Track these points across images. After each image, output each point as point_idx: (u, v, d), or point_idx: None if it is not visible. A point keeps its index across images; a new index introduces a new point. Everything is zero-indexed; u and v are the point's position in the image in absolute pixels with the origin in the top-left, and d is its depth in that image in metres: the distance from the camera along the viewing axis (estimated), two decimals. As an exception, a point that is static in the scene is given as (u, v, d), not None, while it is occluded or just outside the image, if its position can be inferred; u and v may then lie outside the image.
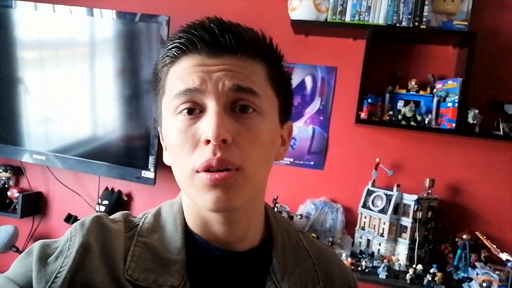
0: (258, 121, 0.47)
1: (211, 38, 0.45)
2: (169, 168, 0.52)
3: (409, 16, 1.63)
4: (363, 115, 1.64)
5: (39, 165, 1.94)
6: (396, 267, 1.55)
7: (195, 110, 0.46)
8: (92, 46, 1.78)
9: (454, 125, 1.58)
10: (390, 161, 1.76)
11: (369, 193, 1.73)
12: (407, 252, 1.61)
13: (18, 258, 0.48)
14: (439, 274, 1.48)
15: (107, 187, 1.96)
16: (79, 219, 1.87)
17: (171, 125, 0.47)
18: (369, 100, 1.66)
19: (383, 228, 1.64)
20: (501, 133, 1.61)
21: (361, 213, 1.72)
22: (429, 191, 1.68)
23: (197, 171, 0.45)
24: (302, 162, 1.85)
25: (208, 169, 0.44)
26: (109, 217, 0.54)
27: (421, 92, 1.70)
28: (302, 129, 1.85)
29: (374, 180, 1.74)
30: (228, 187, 0.44)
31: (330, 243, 1.64)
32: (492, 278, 1.44)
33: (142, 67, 1.72)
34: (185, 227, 0.52)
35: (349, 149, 1.81)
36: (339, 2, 1.67)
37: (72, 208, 1.93)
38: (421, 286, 1.47)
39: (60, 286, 0.43)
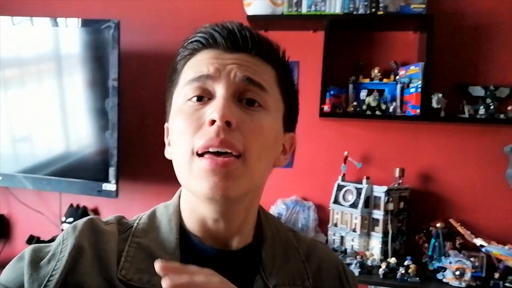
0: (263, 116, 0.48)
1: (230, 35, 0.49)
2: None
3: (366, 3, 1.59)
4: (326, 108, 1.59)
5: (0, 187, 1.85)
6: (370, 262, 1.51)
7: (204, 98, 0.47)
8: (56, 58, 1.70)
9: (418, 111, 1.54)
10: (359, 153, 1.72)
11: (340, 188, 1.68)
12: (381, 246, 1.57)
13: (10, 263, 0.48)
14: (412, 266, 1.44)
15: (71, 204, 1.89)
16: (41, 240, 1.77)
17: (178, 110, 0.49)
18: (332, 92, 1.62)
19: (355, 223, 1.60)
20: (467, 116, 1.58)
21: (333, 209, 1.68)
22: (400, 181, 1.64)
23: (197, 153, 0.45)
24: (270, 161, 1.79)
25: (208, 149, 0.44)
26: (103, 219, 0.54)
27: (385, 80, 1.66)
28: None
29: (344, 174, 1.70)
30: (228, 175, 0.44)
31: (303, 243, 1.59)
32: (465, 266, 1.41)
33: (103, 76, 1.64)
34: (181, 228, 0.53)
35: (317, 144, 1.76)
36: (294, -7, 1.62)
37: (36, 229, 1.86)
38: (395, 280, 1.43)
39: None
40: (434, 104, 1.57)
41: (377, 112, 1.61)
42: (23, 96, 1.75)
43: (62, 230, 1.81)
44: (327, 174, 1.74)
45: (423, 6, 1.57)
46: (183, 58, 0.51)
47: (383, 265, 1.45)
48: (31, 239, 1.76)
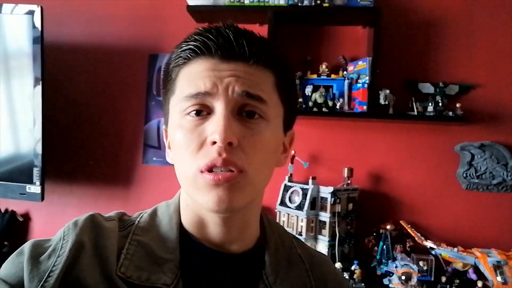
0: (264, 127, 0.48)
1: (226, 43, 0.46)
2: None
3: (311, -5, 1.52)
4: (270, 104, 1.50)
5: None
6: (315, 268, 1.41)
7: (202, 112, 0.47)
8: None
9: (365, 107, 1.48)
10: (306, 152, 1.63)
11: (286, 188, 1.58)
12: (327, 250, 1.48)
13: (9, 258, 0.47)
14: (357, 271, 1.36)
15: (-2, 208, 1.72)
16: None
17: (178, 124, 0.48)
18: (276, 88, 1.53)
19: (301, 226, 1.50)
20: (416, 113, 1.52)
21: (279, 212, 1.58)
22: (349, 182, 1.56)
23: (201, 171, 0.45)
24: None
25: (211, 169, 0.44)
26: (104, 215, 0.53)
27: (333, 76, 1.59)
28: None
29: (291, 175, 1.61)
30: (230, 188, 0.45)
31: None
32: (411, 270, 1.33)
33: (21, 68, 1.50)
34: (181, 227, 0.53)
35: (264, 143, 1.67)
36: (236, -17, 1.54)
37: (-42, 236, 1.67)
38: (339, 286, 1.34)
39: (53, 285, 0.43)
40: (382, 101, 1.50)
41: (324, 109, 1.53)
42: None
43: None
44: (273, 174, 1.64)
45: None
46: (177, 66, 0.50)
47: (327, 271, 1.36)
48: None
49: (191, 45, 0.47)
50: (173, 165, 0.51)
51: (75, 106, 1.70)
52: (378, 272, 1.45)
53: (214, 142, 0.44)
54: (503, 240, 1.52)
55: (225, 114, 0.45)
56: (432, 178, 1.60)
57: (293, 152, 1.59)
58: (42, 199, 1.50)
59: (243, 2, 1.55)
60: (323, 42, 1.66)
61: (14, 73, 1.50)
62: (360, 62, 1.55)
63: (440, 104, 1.52)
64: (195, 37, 0.48)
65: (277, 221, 1.58)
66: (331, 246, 1.48)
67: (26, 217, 1.74)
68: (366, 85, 1.48)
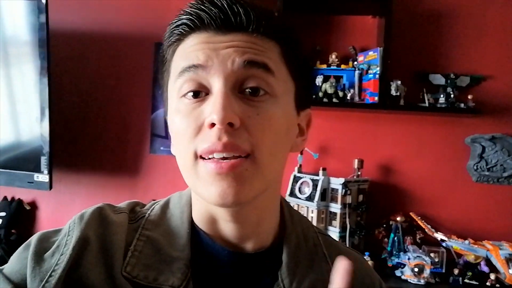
0: (271, 104, 0.42)
1: (220, 13, 0.41)
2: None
3: (322, -16, 1.50)
4: (280, 94, 1.49)
5: None
6: (325, 259, 1.40)
7: (201, 93, 0.42)
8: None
9: (376, 98, 1.46)
10: (315, 143, 1.62)
11: (296, 179, 1.57)
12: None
13: (17, 251, 0.45)
14: (369, 263, 1.34)
15: (5, 197, 1.71)
16: None
17: (175, 109, 0.43)
18: (287, 78, 1.51)
19: (312, 217, 1.49)
20: (427, 105, 1.51)
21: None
22: (359, 173, 1.55)
23: (200, 157, 0.40)
24: (224, 153, 1.68)
25: (211, 155, 0.39)
26: (114, 207, 0.50)
27: (343, 66, 1.57)
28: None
29: (300, 165, 1.59)
30: (237, 178, 0.39)
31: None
32: (424, 262, 1.32)
33: (28, 56, 1.49)
34: (192, 221, 0.49)
35: (273, 134, 1.66)
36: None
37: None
38: (350, 277, 1.32)
39: (54, 284, 0.40)
40: (393, 92, 1.49)
41: (334, 100, 1.52)
42: None
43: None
44: (283, 165, 1.63)
45: (382, -12, 1.50)
46: (171, 44, 0.45)
47: (338, 261, 1.35)
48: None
49: (184, 19, 0.43)
50: None
51: (81, 95, 1.69)
52: (389, 264, 1.43)
53: (213, 124, 0.39)
54: (514, 233, 1.51)
55: (223, 91, 0.40)
56: (442, 170, 1.59)
57: (302, 143, 1.58)
58: (50, 188, 1.49)
59: (254, -9, 1.53)
60: (333, 32, 1.64)
61: (18, 61, 1.48)
62: (370, 53, 1.53)
63: (452, 95, 1.51)
64: (187, 10, 0.43)
65: (286, 212, 1.57)
66: (341, 238, 1.47)
67: (33, 205, 1.73)
68: (377, 76, 1.47)
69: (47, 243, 0.45)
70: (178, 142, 0.43)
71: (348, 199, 1.48)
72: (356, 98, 1.53)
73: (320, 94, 1.52)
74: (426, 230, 1.48)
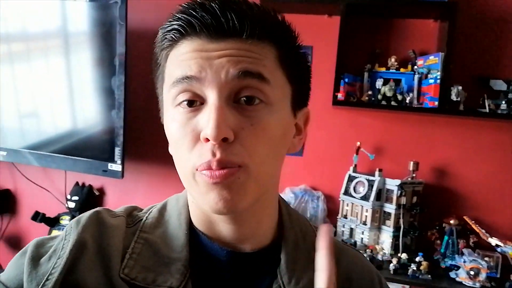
0: (266, 113, 0.42)
1: (212, 19, 0.40)
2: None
3: (386, -12, 1.53)
4: (340, 96, 1.54)
5: (5, 162, 1.84)
6: (380, 257, 1.46)
7: (195, 102, 0.41)
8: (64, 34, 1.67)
9: (436, 103, 1.48)
10: (371, 144, 1.66)
11: (351, 179, 1.62)
12: (391, 240, 1.51)
13: (14, 258, 0.46)
14: (424, 263, 1.39)
15: (77, 182, 1.86)
16: (47, 217, 1.71)
17: (171, 117, 0.43)
18: (346, 80, 1.56)
19: (366, 216, 1.54)
20: (487, 111, 1.51)
21: (343, 201, 1.62)
22: (414, 175, 1.58)
23: (198, 169, 0.41)
24: (280, 150, 1.75)
25: (208, 169, 0.40)
26: (111, 211, 0.50)
27: (402, 70, 1.60)
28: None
29: (355, 165, 1.64)
30: (230, 186, 0.40)
31: (310, 234, 1.54)
32: (480, 266, 1.35)
33: (110, 54, 1.61)
34: (190, 223, 0.49)
35: (328, 133, 1.71)
36: (311, -24, 1.57)
37: (41, 205, 1.83)
38: (406, 276, 1.37)
39: None
40: (453, 97, 1.50)
41: (393, 103, 1.55)
42: (30, 72, 1.72)
43: (68, 208, 1.79)
44: (338, 164, 1.69)
45: (446, -7, 1.51)
46: (163, 49, 0.45)
47: (394, 261, 1.40)
48: (37, 215, 1.74)
49: (175, 24, 0.42)
50: None
51: (151, 90, 1.80)
52: (442, 265, 1.47)
53: (208, 139, 0.39)
54: None
55: (218, 105, 0.39)
56: (498, 176, 1.59)
57: (358, 143, 1.63)
58: (122, 176, 1.62)
59: (317, -5, 1.58)
60: (392, 35, 1.66)
61: (102, 56, 1.61)
62: (431, 57, 1.55)
63: (514, 101, 1.51)
64: (178, 15, 0.42)
65: (340, 209, 1.63)
66: (395, 237, 1.52)
67: (101, 191, 1.88)
68: (438, 81, 1.49)
69: (43, 249, 0.45)
70: (177, 150, 0.44)
71: (403, 200, 1.52)
72: (415, 102, 1.55)
73: (379, 96, 1.56)
74: (481, 234, 1.50)
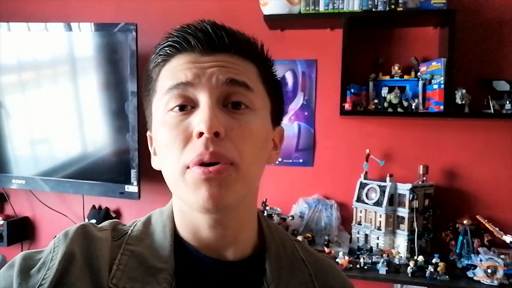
0: (251, 117, 0.46)
1: (205, 36, 0.46)
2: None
3: (385, 0, 1.58)
4: (347, 106, 1.58)
5: (22, 190, 1.88)
6: (397, 261, 1.49)
7: (186, 107, 0.45)
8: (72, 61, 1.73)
9: (442, 107, 1.52)
10: (380, 151, 1.70)
11: (362, 186, 1.66)
12: (407, 244, 1.54)
13: (0, 271, 0.46)
14: (441, 264, 1.41)
15: (94, 206, 1.90)
16: None
17: (161, 121, 0.46)
18: (352, 90, 1.60)
19: (380, 221, 1.58)
20: (492, 111, 1.55)
21: (356, 208, 1.66)
22: (424, 178, 1.62)
23: (188, 167, 0.43)
24: (290, 161, 1.79)
25: (200, 164, 0.42)
26: (97, 225, 0.52)
27: (406, 77, 1.64)
28: (288, 127, 1.79)
29: (366, 172, 1.68)
30: (222, 182, 0.42)
31: (326, 242, 1.58)
32: (497, 264, 1.38)
33: (120, 79, 1.66)
34: (175, 234, 0.51)
35: (337, 142, 1.75)
36: (312, -8, 1.62)
37: (60, 230, 1.86)
38: (424, 279, 1.40)
39: None
40: (458, 100, 1.54)
41: (399, 109, 1.59)
42: (41, 99, 1.78)
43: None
44: (348, 172, 1.72)
45: (444, 1, 1.55)
46: (157, 65, 0.49)
47: (411, 264, 1.43)
48: (55, 242, 1.77)
49: (170, 41, 0.47)
50: None
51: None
52: (458, 266, 1.49)
53: (201, 134, 0.42)
54: None
55: (210, 104, 0.43)
56: (507, 174, 1.62)
57: (368, 151, 1.67)
58: (139, 197, 1.66)
59: (318, 10, 1.63)
60: (394, 44, 1.71)
61: (113, 82, 1.66)
62: (434, 63, 1.59)
63: (517, 101, 1.55)
64: (173, 34, 0.47)
65: (354, 216, 1.66)
66: (410, 240, 1.55)
67: (118, 213, 1.92)
68: (442, 86, 1.53)
69: (31, 261, 0.46)
70: (166, 155, 0.46)
71: (415, 204, 1.55)
72: (421, 107, 1.59)
73: (385, 104, 1.60)
74: (495, 233, 1.53)
